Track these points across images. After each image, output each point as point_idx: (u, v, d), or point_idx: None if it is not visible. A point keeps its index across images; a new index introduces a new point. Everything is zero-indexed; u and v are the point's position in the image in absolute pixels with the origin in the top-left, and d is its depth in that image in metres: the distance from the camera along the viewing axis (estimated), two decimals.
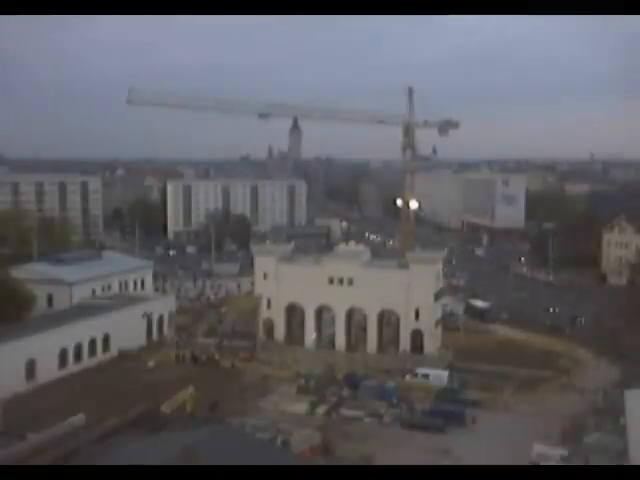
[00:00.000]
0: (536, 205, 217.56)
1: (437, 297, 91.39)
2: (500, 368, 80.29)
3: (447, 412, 67.01)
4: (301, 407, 70.43)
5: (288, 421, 65.29)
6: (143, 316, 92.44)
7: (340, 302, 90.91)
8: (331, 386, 76.22)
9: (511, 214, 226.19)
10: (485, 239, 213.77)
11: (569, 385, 78.06)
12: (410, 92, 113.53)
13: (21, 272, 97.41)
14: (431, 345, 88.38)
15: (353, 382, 76.40)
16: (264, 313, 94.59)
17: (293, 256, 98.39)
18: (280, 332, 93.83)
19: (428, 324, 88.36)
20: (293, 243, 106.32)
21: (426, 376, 77.69)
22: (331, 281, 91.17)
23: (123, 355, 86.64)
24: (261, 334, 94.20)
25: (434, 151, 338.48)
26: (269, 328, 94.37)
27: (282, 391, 75.75)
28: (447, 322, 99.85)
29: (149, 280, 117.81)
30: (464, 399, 71.90)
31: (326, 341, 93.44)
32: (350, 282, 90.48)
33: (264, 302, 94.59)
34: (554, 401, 72.35)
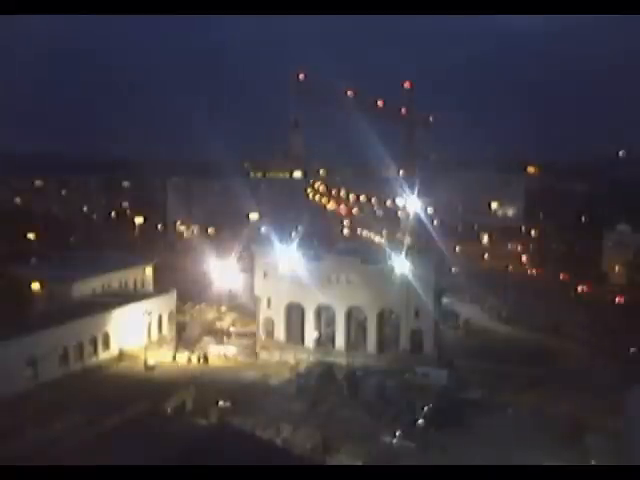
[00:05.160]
0: (536, 204, 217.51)
1: (437, 296, 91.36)
2: (498, 366, 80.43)
3: (447, 411, 67.03)
4: (301, 406, 70.44)
5: (288, 420, 65.29)
6: (143, 314, 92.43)
7: (340, 301, 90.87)
8: (331, 385, 76.24)
9: (511, 213, 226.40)
10: (485, 238, 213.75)
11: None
12: (410, 91, 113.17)
13: (21, 270, 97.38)
14: (430, 344, 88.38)
15: (353, 381, 76.42)
16: (264, 312, 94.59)
17: (293, 255, 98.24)
18: (280, 331, 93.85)
19: (428, 323, 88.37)
20: (294, 242, 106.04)
21: (426, 375, 77.74)
22: (331, 280, 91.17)
23: (123, 354, 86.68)
24: (261, 333, 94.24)
25: (433, 150, 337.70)
26: (269, 327, 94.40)
27: (282, 390, 75.75)
28: (447, 321, 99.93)
29: (149, 278, 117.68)
30: (464, 398, 71.94)
31: (326, 340, 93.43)
32: (350, 281, 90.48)
33: (264, 301, 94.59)
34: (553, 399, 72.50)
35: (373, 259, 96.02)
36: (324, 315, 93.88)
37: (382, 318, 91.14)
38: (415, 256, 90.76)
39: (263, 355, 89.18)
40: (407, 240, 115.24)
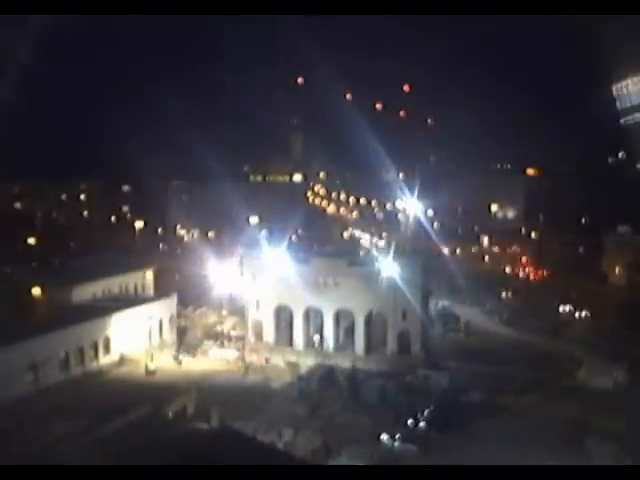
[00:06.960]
0: (536, 206, 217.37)
1: (424, 298, 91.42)
2: (499, 368, 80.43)
3: (448, 413, 67.01)
4: (302, 409, 70.47)
5: (289, 423, 65.33)
6: (144, 319, 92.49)
7: (328, 303, 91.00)
8: (332, 388, 76.25)
9: (511, 215, 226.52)
10: (485, 240, 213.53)
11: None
12: (410, 94, 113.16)
13: (22, 275, 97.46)
14: (418, 346, 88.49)
15: (354, 383, 76.42)
16: (253, 314, 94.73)
17: (282, 257, 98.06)
18: (269, 333, 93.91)
19: (415, 325, 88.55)
20: (284, 244, 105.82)
21: (427, 377, 77.72)
22: (319, 282, 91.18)
23: (124, 358, 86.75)
24: (250, 336, 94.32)
25: (431, 151, 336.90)
26: (258, 329, 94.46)
27: (283, 393, 75.77)
28: (448, 323, 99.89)
29: (150, 282, 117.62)
30: (465, 400, 71.90)
31: (314, 342, 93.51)
32: (337, 283, 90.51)
33: (253, 304, 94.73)
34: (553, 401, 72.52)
35: (361, 261, 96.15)
36: (312, 317, 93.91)
37: (370, 320, 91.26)
38: (402, 258, 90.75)
39: (252, 357, 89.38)
40: (396, 242, 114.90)
